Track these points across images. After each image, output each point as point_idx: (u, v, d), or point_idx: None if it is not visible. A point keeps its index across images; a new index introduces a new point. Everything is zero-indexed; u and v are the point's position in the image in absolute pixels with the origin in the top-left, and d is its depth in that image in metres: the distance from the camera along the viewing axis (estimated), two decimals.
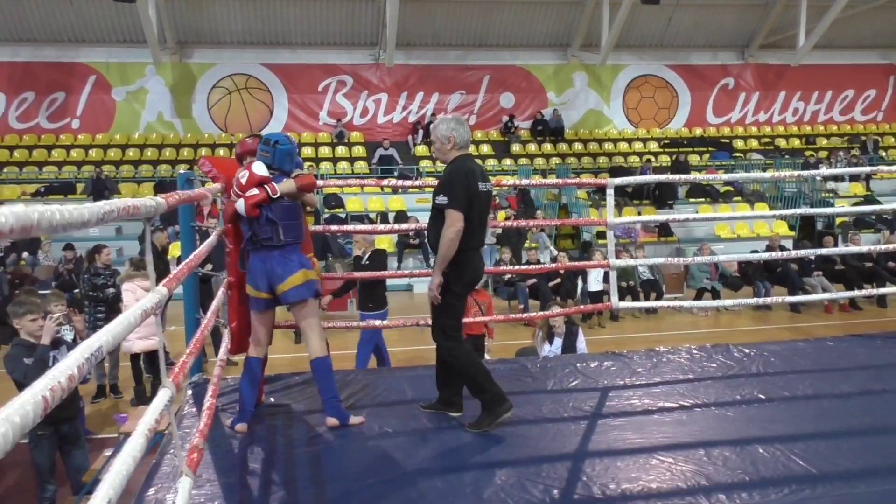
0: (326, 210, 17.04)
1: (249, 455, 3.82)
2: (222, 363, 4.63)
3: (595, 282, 12.01)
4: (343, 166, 19.58)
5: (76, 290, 10.59)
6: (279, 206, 4.15)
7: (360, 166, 19.67)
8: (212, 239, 4.50)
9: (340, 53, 21.00)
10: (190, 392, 4.73)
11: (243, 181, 4.16)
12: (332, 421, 4.15)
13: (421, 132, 20.86)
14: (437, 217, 4.08)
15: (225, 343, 4.79)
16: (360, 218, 16.47)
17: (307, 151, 19.81)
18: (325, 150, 20.23)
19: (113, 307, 8.06)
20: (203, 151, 19.18)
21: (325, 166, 19.23)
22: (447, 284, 4.07)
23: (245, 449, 3.90)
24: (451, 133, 4.10)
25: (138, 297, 7.38)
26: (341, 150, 20.35)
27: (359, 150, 20.39)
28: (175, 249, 9.99)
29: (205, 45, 20.41)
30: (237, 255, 4.53)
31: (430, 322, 6.56)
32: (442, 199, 3.97)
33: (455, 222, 3.92)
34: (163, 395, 2.56)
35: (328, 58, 20.94)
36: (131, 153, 19.68)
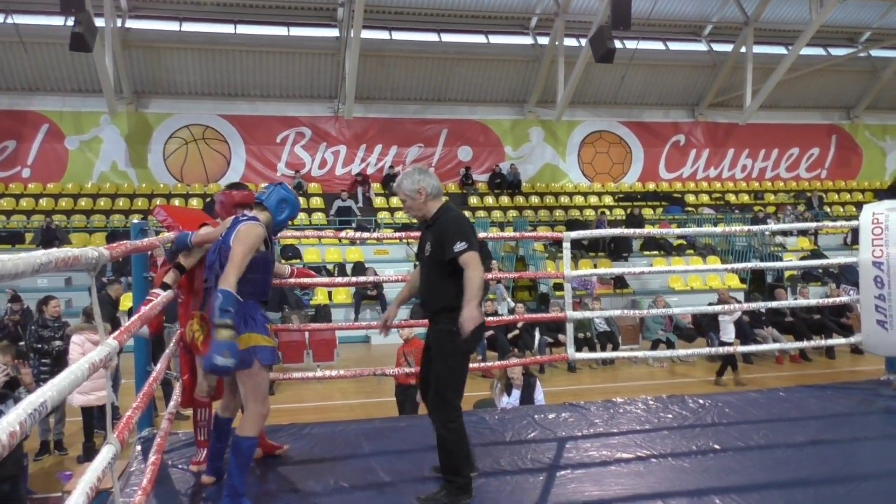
0: (283, 261, 16.87)
1: None
2: (171, 417, 4.52)
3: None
4: (301, 217, 19.50)
5: (21, 343, 10.25)
6: (225, 252, 3.72)
7: (318, 217, 19.61)
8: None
9: (299, 105, 21.11)
10: (139, 448, 4.58)
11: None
12: None
13: (371, 184, 20.86)
14: (436, 268, 3.83)
15: (175, 396, 4.67)
16: (317, 269, 16.38)
17: None
18: None
19: (59, 360, 7.81)
20: (158, 201, 18.94)
21: None
22: (456, 342, 3.77)
23: None
24: (419, 185, 3.87)
25: (85, 350, 7.18)
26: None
27: (317, 202, 20.37)
28: (127, 301, 9.77)
29: (162, 95, 20.34)
30: (189, 305, 4.44)
31: (386, 372, 6.49)
32: (461, 245, 3.70)
33: (479, 264, 3.71)
34: (106, 452, 2.47)
35: (287, 110, 21.04)
36: (83, 203, 19.33)
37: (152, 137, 20.36)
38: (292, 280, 5.14)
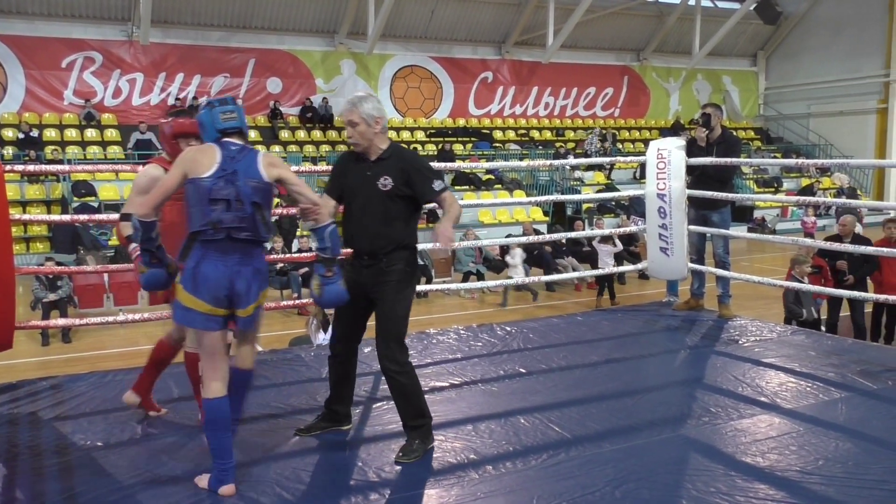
0: (76, 199, 15.59)
1: None
2: None
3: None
4: (94, 150, 17.96)
5: None
6: (262, 188, 3.24)
7: (115, 151, 18.17)
8: None
9: (87, 27, 19.16)
10: None
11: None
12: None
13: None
14: (393, 205, 3.61)
15: None
16: (115, 206, 15.25)
17: (50, 134, 17.95)
18: (72, 133, 18.39)
19: None
20: None
21: (73, 150, 17.50)
22: (411, 284, 3.70)
23: None
24: (379, 114, 3.55)
25: None
26: (91, 134, 18.63)
27: (112, 134, 18.82)
28: None
29: None
30: None
31: None
32: (440, 185, 3.62)
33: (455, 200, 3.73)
34: None
35: (73, 31, 19.03)
36: None
37: None
38: (84, 217, 4.76)
